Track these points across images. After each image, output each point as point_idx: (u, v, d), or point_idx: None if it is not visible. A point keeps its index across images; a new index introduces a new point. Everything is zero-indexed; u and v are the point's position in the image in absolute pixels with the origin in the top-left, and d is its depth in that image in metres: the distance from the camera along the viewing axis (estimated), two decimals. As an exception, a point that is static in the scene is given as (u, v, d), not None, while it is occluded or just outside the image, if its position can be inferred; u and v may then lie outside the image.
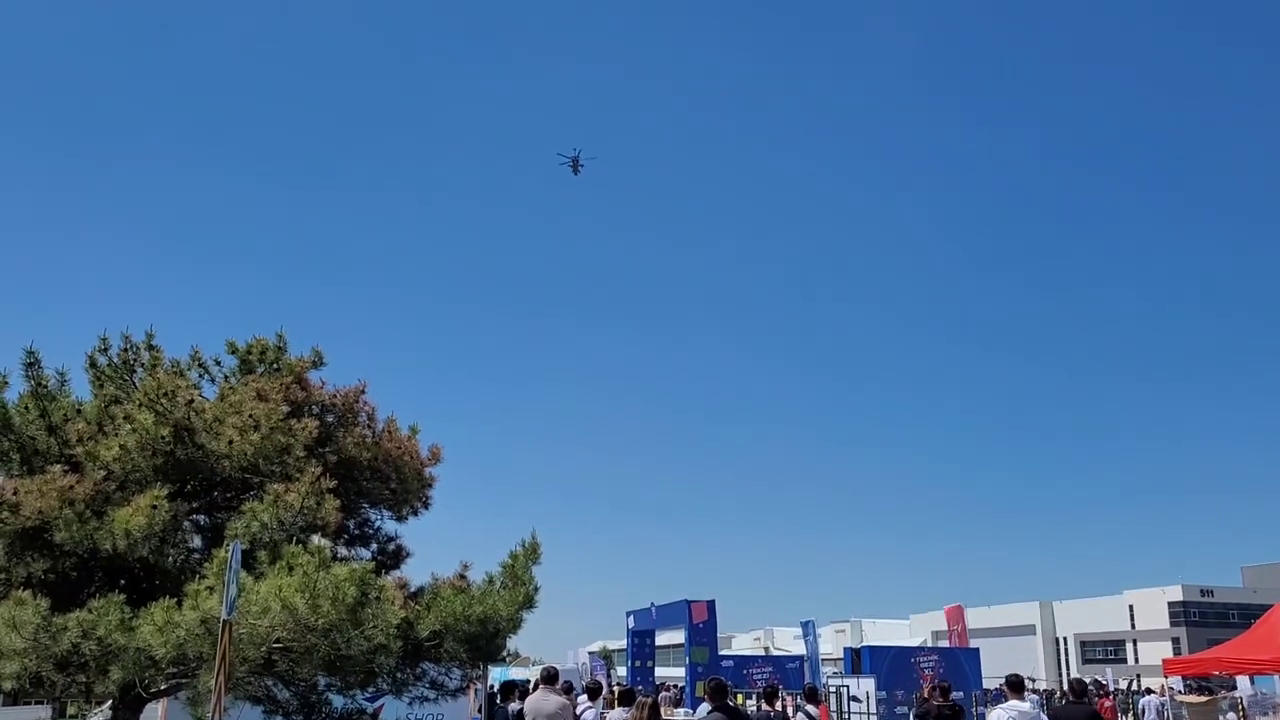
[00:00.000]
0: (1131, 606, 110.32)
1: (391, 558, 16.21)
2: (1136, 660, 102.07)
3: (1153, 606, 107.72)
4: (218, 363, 14.90)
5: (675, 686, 51.11)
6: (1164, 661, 36.05)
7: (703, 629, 43.18)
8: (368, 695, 15.07)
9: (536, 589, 14.44)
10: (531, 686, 17.54)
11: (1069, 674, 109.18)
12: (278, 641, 11.30)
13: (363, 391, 15.40)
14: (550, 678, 15.18)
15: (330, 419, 14.92)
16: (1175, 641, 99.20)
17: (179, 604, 10.97)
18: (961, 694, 32.85)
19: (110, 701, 12.95)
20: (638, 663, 47.98)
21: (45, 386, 13.25)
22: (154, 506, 11.57)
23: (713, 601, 43.29)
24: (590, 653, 64.85)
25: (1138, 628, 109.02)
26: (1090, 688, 50.74)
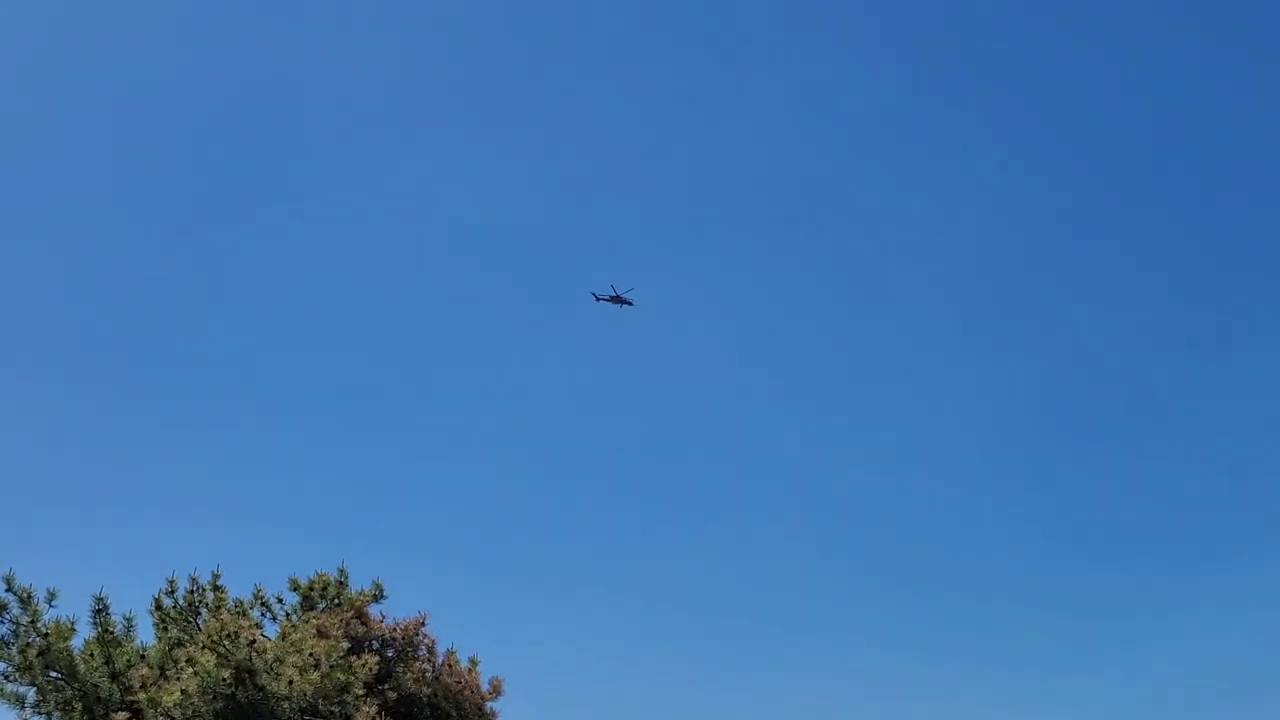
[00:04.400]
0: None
1: (452, 802, 15.64)
2: None
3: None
4: (280, 600, 15.10)
5: None
6: None
7: None
8: None
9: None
10: None
11: None
12: None
13: (423, 624, 15.37)
14: None
15: (390, 654, 14.85)
16: None
17: None
18: None
19: None
20: None
21: (111, 632, 13.43)
22: (212, 754, 11.42)
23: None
24: None
25: None
26: None
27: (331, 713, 12.77)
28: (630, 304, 72.29)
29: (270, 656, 12.93)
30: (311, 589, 14.92)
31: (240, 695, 12.67)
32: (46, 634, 12.77)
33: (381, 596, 15.30)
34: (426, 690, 14.54)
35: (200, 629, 13.74)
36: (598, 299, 71.81)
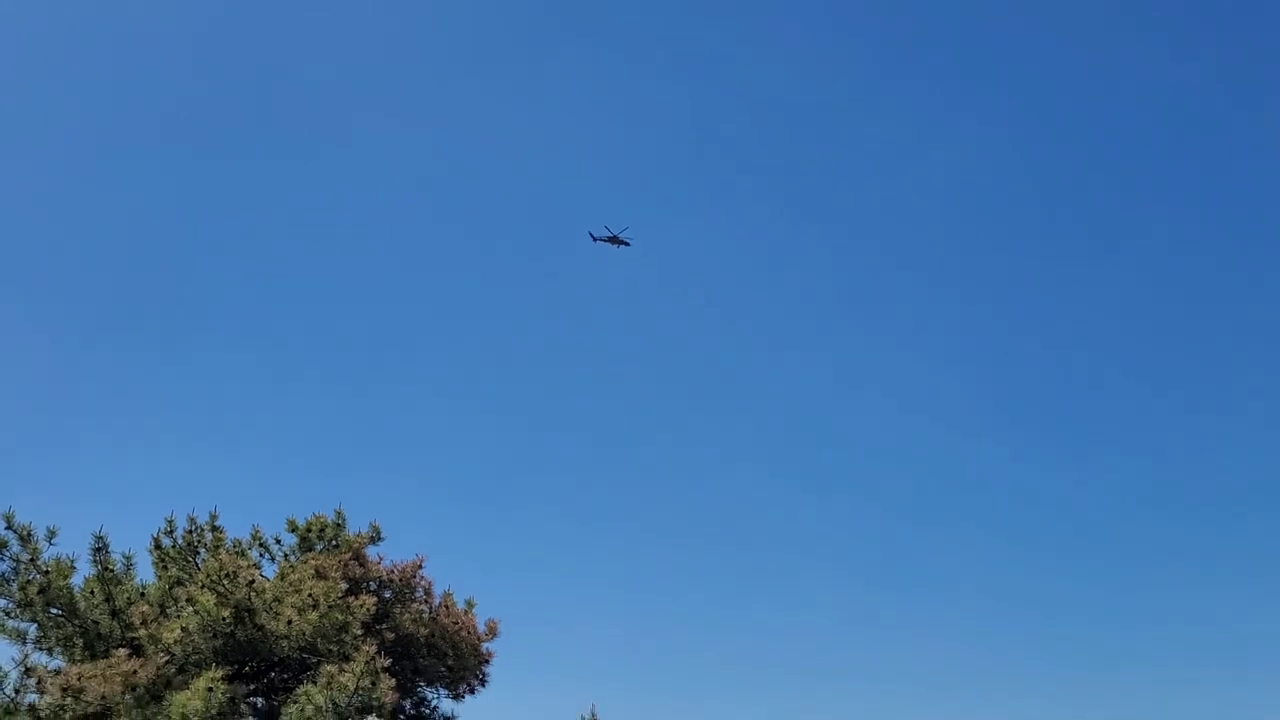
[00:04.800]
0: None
1: (449, 739, 15.89)
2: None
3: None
4: (278, 541, 15.14)
5: None
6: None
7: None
8: None
9: (599, 770, 14.00)
10: None
11: None
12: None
13: (420, 566, 15.47)
14: None
15: (388, 595, 14.96)
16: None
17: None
18: None
19: None
20: (705, 847, 45.54)
21: (111, 570, 13.51)
22: (209, 689, 11.56)
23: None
24: (655, 837, 61.77)
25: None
26: None
27: (330, 651, 12.88)
28: (627, 244, 72.66)
29: (269, 596, 13.03)
30: (309, 530, 14.95)
31: (239, 634, 12.80)
32: (47, 571, 12.84)
33: (379, 539, 15.36)
34: (424, 631, 14.66)
35: (199, 568, 13.84)
36: (595, 239, 72.34)
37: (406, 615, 14.68)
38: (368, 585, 14.60)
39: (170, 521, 14.46)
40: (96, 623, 13.01)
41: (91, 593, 13.10)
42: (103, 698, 11.72)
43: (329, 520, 15.13)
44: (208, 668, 12.16)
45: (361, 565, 14.71)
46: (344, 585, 13.53)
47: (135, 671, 11.92)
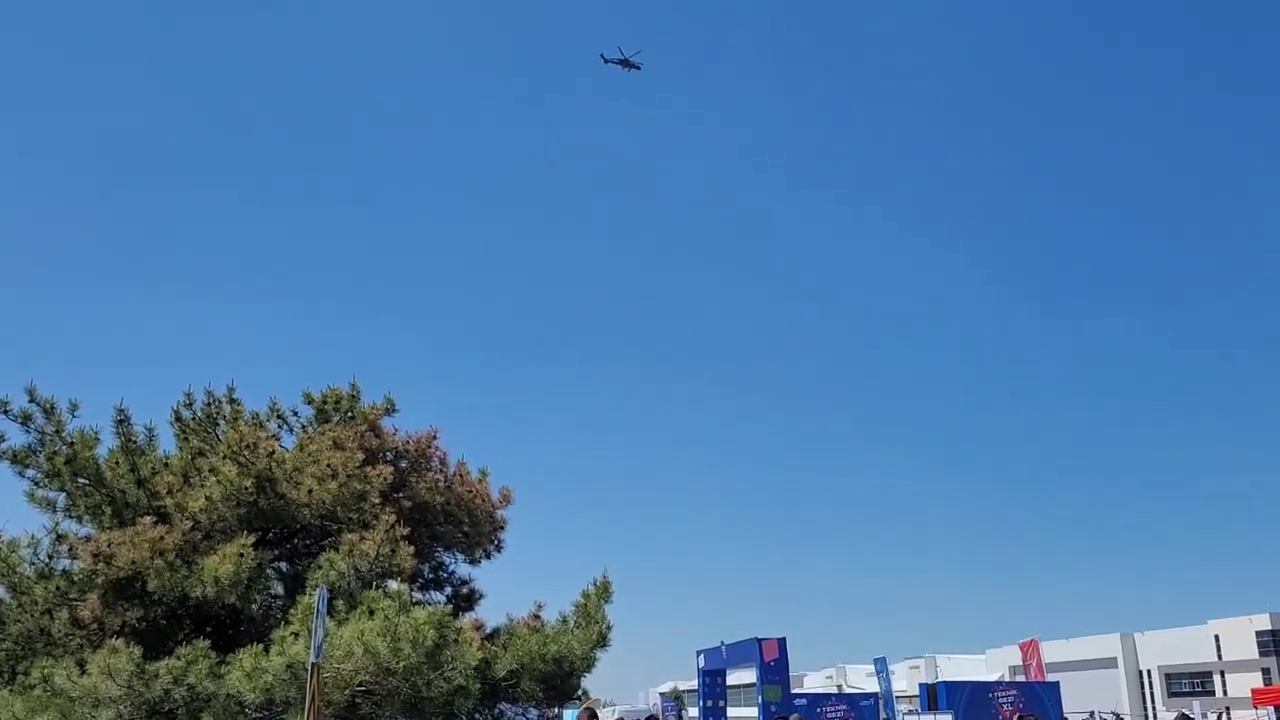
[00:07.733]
0: (1217, 636, 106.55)
1: (465, 600, 16.46)
2: (1225, 692, 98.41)
3: (1240, 636, 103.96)
4: (295, 413, 15.38)
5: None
6: (1253, 692, 34.73)
7: (774, 667, 42.60)
8: (447, 737, 15.21)
9: (609, 628, 14.58)
10: None
11: (1154, 707, 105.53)
12: (360, 685, 11.55)
13: (434, 437, 15.76)
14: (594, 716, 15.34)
15: (404, 464, 15.26)
16: (1265, 672, 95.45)
17: (266, 650, 11.29)
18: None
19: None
20: (709, 702, 47.45)
21: (134, 442, 13.76)
22: (240, 555, 11.95)
23: (783, 639, 42.74)
24: (661, 694, 64.44)
25: (1225, 658, 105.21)
26: (1177, 721, 49.02)
27: (350, 519, 13.25)
28: (638, 68, 73.86)
29: (289, 466, 13.31)
30: (325, 402, 15.17)
31: (262, 503, 13.13)
32: (72, 443, 13.08)
33: (393, 410, 15.59)
34: (439, 499, 15.01)
35: (220, 440, 14.09)
36: (606, 61, 73.42)
37: (422, 484, 15.00)
38: (384, 455, 14.89)
39: (188, 394, 14.65)
40: (123, 491, 13.32)
41: (116, 463, 13.38)
42: (133, 562, 12.10)
43: (344, 392, 15.32)
44: (233, 535, 12.53)
45: (377, 436, 14.97)
46: (361, 455, 13.78)
47: (162, 538, 12.28)
